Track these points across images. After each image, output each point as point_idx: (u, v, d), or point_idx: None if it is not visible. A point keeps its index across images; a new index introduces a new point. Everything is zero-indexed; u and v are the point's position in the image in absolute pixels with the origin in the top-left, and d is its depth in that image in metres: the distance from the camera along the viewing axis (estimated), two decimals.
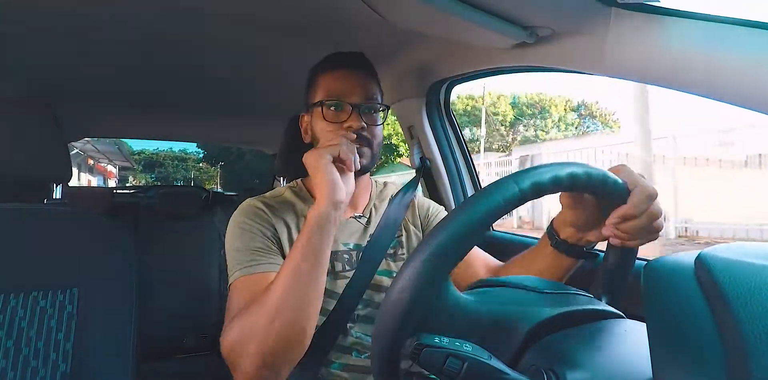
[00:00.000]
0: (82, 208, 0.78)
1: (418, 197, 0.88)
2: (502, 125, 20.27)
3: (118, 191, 2.79)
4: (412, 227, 0.82)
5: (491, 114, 19.70)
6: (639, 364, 0.31)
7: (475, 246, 0.78)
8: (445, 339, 0.33)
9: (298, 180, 0.82)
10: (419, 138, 1.22)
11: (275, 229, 0.69)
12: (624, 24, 0.59)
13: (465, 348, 0.33)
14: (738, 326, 0.24)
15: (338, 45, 0.84)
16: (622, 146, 7.88)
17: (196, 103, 1.62)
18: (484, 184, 1.20)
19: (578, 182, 0.41)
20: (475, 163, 1.29)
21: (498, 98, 20.28)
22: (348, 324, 0.70)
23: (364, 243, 0.75)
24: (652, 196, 0.45)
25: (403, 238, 0.80)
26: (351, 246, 0.75)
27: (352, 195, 0.76)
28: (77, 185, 5.47)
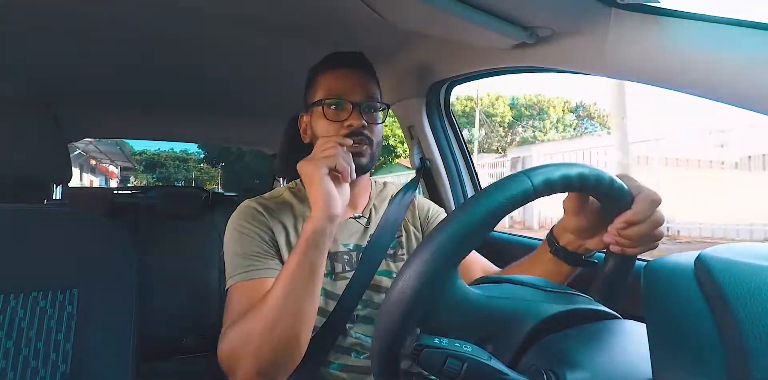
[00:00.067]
0: (82, 209, 0.78)
1: (419, 198, 0.88)
2: (501, 126, 20.27)
3: (118, 191, 2.79)
4: (411, 228, 0.82)
5: (490, 115, 19.71)
6: (639, 364, 0.31)
7: (474, 251, 0.79)
8: (445, 340, 0.33)
9: (297, 180, 0.82)
10: (419, 138, 1.22)
11: (273, 232, 0.69)
12: (624, 24, 0.59)
13: (465, 348, 0.33)
14: (738, 326, 0.24)
15: (338, 45, 0.84)
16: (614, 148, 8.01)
17: (196, 103, 1.62)
18: (483, 185, 1.20)
19: (587, 183, 0.41)
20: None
21: (496, 99, 20.29)
22: (347, 325, 0.70)
23: (363, 244, 0.75)
24: (656, 202, 0.46)
25: (403, 239, 0.80)
26: (351, 246, 0.75)
27: (352, 195, 0.76)
28: (78, 185, 5.47)
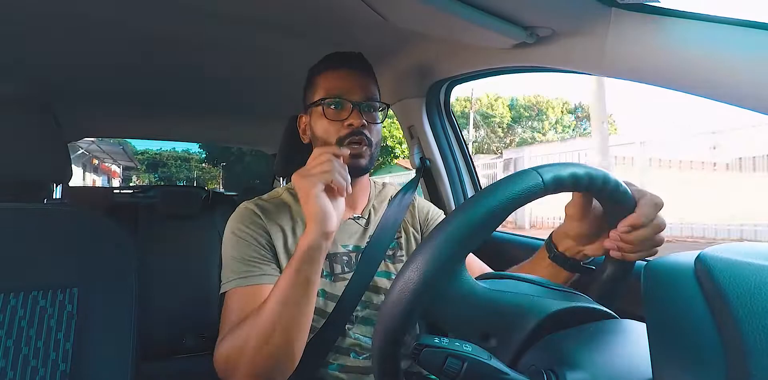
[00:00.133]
0: (82, 208, 0.78)
1: (418, 200, 0.87)
2: (499, 127, 20.26)
3: (120, 191, 2.79)
4: (411, 229, 0.81)
5: (489, 116, 19.71)
6: (639, 364, 0.31)
7: (472, 254, 0.79)
8: (445, 340, 0.33)
9: None
10: (419, 138, 1.22)
11: (269, 236, 0.70)
12: (624, 24, 0.59)
13: (465, 348, 0.33)
14: (738, 326, 0.24)
15: (338, 45, 0.84)
16: (620, 148, 8.08)
17: (196, 103, 1.62)
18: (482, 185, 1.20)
19: (595, 183, 0.42)
20: None
21: (495, 100, 20.28)
22: (347, 326, 0.70)
23: (363, 245, 0.75)
24: (658, 206, 0.47)
25: (402, 240, 0.80)
26: (350, 247, 0.75)
27: (351, 195, 0.76)
28: (79, 185, 5.47)
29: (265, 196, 0.77)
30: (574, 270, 0.57)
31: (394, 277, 0.74)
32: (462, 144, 1.24)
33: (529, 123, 21.16)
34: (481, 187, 1.24)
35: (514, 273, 0.44)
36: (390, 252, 0.77)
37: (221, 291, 0.67)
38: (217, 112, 1.76)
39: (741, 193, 6.36)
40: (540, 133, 20.82)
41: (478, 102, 19.60)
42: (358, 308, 0.71)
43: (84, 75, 1.25)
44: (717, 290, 0.26)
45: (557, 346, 0.37)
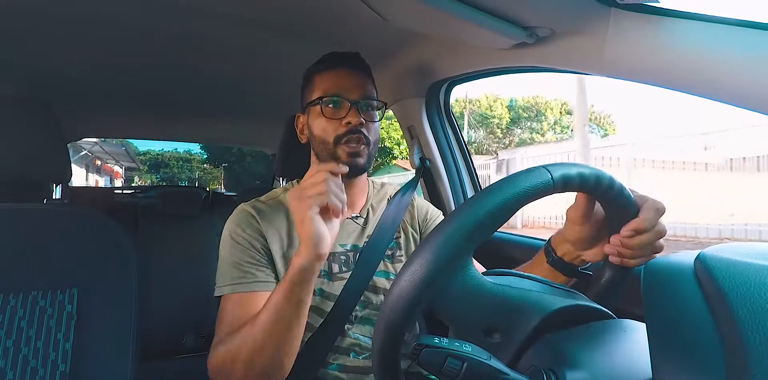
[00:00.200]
0: (82, 208, 0.78)
1: (417, 200, 0.88)
2: (498, 128, 20.26)
3: (118, 191, 2.78)
4: (410, 229, 0.81)
5: (488, 117, 19.71)
6: (639, 364, 0.31)
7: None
8: (445, 340, 0.33)
9: (294, 181, 0.82)
10: (419, 138, 1.22)
11: (266, 239, 0.70)
12: (623, 24, 0.59)
13: (465, 348, 0.33)
14: (737, 326, 0.24)
15: (338, 45, 0.84)
16: (604, 150, 8.30)
17: (196, 103, 1.62)
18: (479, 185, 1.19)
19: (601, 184, 0.42)
20: None
21: (494, 101, 20.28)
22: (346, 326, 0.70)
23: (361, 244, 0.75)
24: (660, 212, 0.47)
25: (402, 240, 0.80)
26: (348, 247, 0.75)
27: (349, 195, 0.76)
28: (79, 185, 5.46)
29: (262, 198, 0.77)
30: (571, 275, 0.57)
31: (393, 277, 0.75)
32: (462, 144, 1.24)
33: (528, 124, 21.17)
34: (480, 187, 1.24)
35: (517, 272, 0.44)
36: (389, 252, 0.77)
37: (215, 294, 0.68)
38: (217, 112, 1.76)
39: (734, 193, 6.44)
40: (539, 133, 20.83)
41: (477, 103, 19.60)
42: (357, 308, 0.71)
43: (84, 75, 1.25)
44: (717, 290, 0.26)
45: (557, 346, 0.37)
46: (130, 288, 0.74)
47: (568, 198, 0.52)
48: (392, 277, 0.75)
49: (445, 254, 0.35)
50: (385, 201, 0.83)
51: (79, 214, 0.76)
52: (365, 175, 0.80)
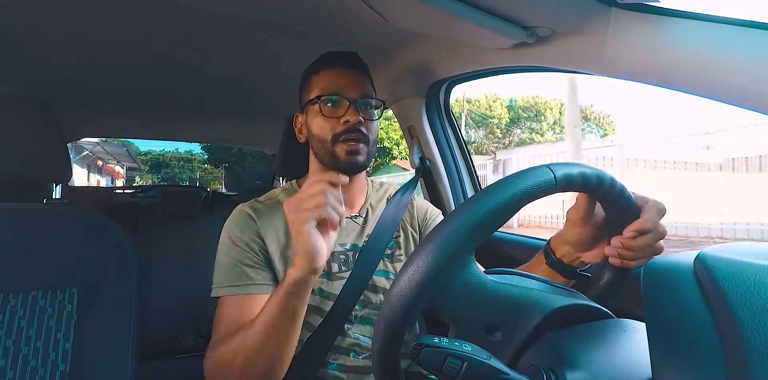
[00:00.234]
0: (82, 208, 0.78)
1: (417, 199, 0.88)
2: (497, 128, 20.26)
3: (118, 191, 2.78)
4: (409, 228, 0.81)
5: (487, 117, 19.70)
6: (639, 364, 0.31)
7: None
8: (445, 340, 0.33)
9: (293, 181, 0.82)
10: (419, 138, 1.22)
11: (263, 241, 0.70)
12: (623, 24, 0.59)
13: (465, 348, 0.33)
14: (737, 326, 0.24)
15: (338, 45, 0.84)
16: (601, 150, 8.46)
17: (196, 103, 1.62)
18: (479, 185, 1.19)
19: (603, 185, 0.42)
20: None
21: (494, 101, 20.27)
22: (346, 326, 0.70)
23: (360, 243, 0.75)
24: (662, 212, 0.47)
25: (401, 239, 0.80)
26: (348, 246, 0.75)
27: (348, 194, 0.76)
28: (79, 185, 5.46)
29: (261, 198, 0.77)
30: (571, 276, 0.58)
31: (392, 276, 0.75)
32: (462, 144, 1.24)
33: (528, 124, 21.16)
34: (480, 187, 1.24)
35: (518, 271, 0.44)
36: (388, 251, 0.77)
37: (212, 295, 0.68)
38: (217, 112, 1.76)
39: (724, 192, 6.49)
40: (538, 133, 20.82)
41: (477, 103, 19.60)
42: (357, 307, 0.71)
43: (84, 75, 1.25)
44: (716, 290, 0.26)
45: (557, 345, 0.37)
46: (130, 288, 0.74)
47: (564, 198, 0.52)
48: (392, 277, 0.75)
49: (446, 253, 0.35)
50: (385, 201, 0.83)
51: (79, 214, 0.76)
52: (364, 173, 0.80)
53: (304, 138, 0.78)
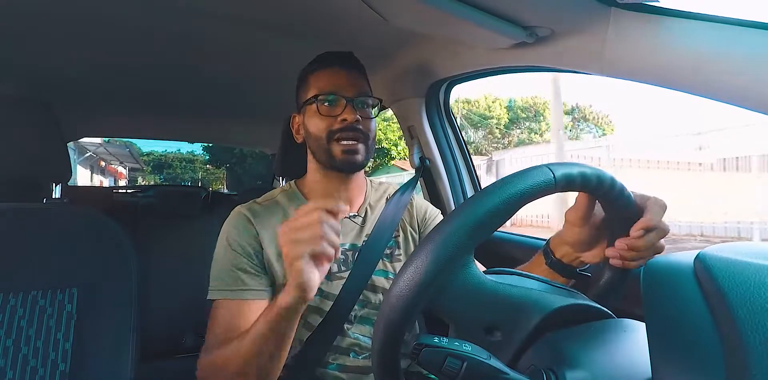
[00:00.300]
0: (82, 208, 0.78)
1: (416, 199, 0.87)
2: (497, 128, 20.24)
3: (124, 191, 2.78)
4: (409, 228, 0.81)
5: (487, 117, 19.68)
6: (639, 364, 0.31)
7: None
8: (445, 339, 0.33)
9: (292, 182, 0.82)
10: (419, 138, 1.21)
11: (260, 243, 0.70)
12: (623, 24, 0.59)
13: (464, 347, 0.33)
14: (737, 325, 0.24)
15: (338, 45, 0.84)
16: (591, 150, 8.62)
17: (196, 103, 1.62)
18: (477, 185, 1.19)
19: (603, 184, 0.42)
20: None
21: (493, 102, 20.26)
22: (345, 326, 0.70)
23: (359, 243, 0.75)
24: (664, 208, 0.47)
25: (400, 239, 0.80)
26: (347, 246, 0.75)
27: (347, 194, 0.76)
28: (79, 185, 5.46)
29: (259, 199, 0.77)
30: (570, 276, 0.57)
31: (392, 276, 0.75)
32: (462, 144, 1.24)
33: (527, 124, 21.14)
34: (480, 187, 1.24)
35: (517, 271, 0.44)
36: (388, 251, 0.77)
37: (208, 297, 0.68)
38: (217, 112, 1.76)
39: (715, 192, 6.57)
40: (537, 134, 20.80)
41: (476, 103, 19.59)
42: (357, 307, 0.71)
43: (84, 75, 1.25)
44: (716, 290, 0.26)
45: (557, 345, 0.37)
46: (129, 288, 0.74)
47: (559, 197, 0.52)
48: (391, 276, 0.75)
49: (445, 253, 0.35)
50: (384, 200, 0.83)
51: (79, 214, 0.76)
52: (363, 173, 0.80)
53: (302, 138, 0.78)
